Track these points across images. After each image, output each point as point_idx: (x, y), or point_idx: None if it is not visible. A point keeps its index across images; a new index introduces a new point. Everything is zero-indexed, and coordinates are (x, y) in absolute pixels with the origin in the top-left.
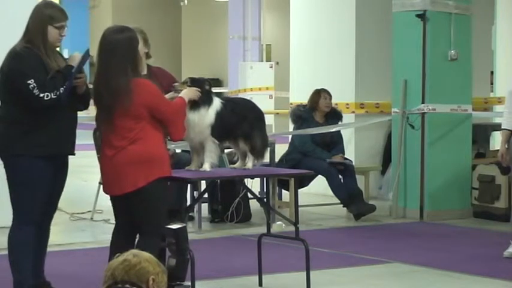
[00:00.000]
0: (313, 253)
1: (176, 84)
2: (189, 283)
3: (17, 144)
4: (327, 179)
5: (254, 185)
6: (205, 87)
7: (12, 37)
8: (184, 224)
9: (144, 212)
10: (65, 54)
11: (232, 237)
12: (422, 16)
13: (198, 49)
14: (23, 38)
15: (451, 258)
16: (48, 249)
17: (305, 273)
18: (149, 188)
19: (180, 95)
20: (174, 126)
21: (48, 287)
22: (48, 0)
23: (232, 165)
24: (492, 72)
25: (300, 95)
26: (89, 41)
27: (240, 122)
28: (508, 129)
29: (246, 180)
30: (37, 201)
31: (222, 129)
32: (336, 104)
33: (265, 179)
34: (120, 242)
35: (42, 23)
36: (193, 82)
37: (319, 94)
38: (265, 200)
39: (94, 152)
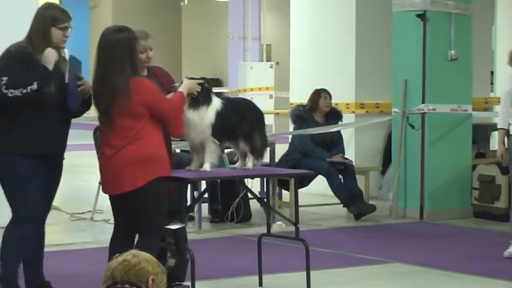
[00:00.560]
0: (313, 253)
1: (176, 84)
2: (189, 283)
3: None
4: (327, 179)
5: (254, 185)
6: (205, 87)
7: (13, 38)
8: (183, 225)
9: (143, 212)
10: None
11: (232, 237)
12: (422, 16)
13: (198, 49)
14: (24, 39)
15: (451, 258)
16: (48, 249)
17: (305, 273)
18: (148, 187)
19: (178, 89)
20: (173, 122)
21: (48, 287)
22: (50, 2)
23: (232, 165)
24: (492, 72)
25: (300, 95)
26: (89, 41)
27: (240, 122)
28: (505, 129)
29: (246, 180)
30: (29, 200)
31: (222, 129)
32: (336, 104)
33: (265, 179)
34: (120, 242)
35: (45, 25)
36: None
37: (319, 94)
38: (265, 200)
39: (94, 152)
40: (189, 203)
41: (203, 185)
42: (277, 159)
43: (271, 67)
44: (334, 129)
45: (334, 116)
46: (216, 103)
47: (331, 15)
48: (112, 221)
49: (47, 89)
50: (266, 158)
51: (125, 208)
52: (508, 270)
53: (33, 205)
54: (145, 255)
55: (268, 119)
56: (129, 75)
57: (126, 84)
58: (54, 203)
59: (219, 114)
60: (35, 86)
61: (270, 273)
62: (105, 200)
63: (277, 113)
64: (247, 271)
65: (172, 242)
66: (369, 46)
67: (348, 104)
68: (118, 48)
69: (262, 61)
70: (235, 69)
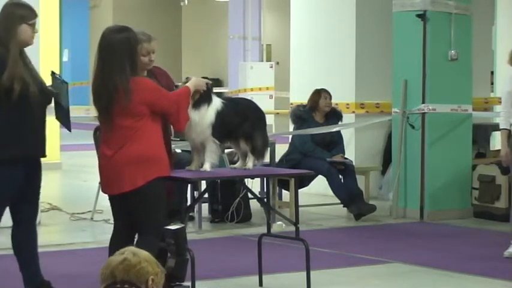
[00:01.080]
0: (313, 253)
1: (180, 84)
2: (189, 283)
3: None
4: (327, 179)
5: (254, 185)
6: (206, 87)
7: None
8: (183, 225)
9: (143, 212)
10: (65, 54)
11: (232, 237)
12: (422, 16)
13: (198, 49)
14: None
15: (451, 258)
16: (48, 249)
17: (305, 273)
18: (148, 187)
19: (187, 84)
20: (175, 116)
21: (48, 287)
22: None
23: (232, 165)
24: (492, 72)
25: (300, 95)
26: (89, 41)
27: (241, 122)
28: (507, 129)
29: (246, 180)
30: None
31: (223, 129)
32: (336, 104)
33: (265, 179)
34: (119, 241)
35: (14, 22)
36: None
37: (319, 94)
38: (265, 200)
39: (94, 152)
40: (189, 203)
41: (203, 185)
42: (277, 159)
43: (271, 67)
44: (334, 129)
45: (334, 116)
46: (217, 103)
47: (331, 15)
48: (112, 221)
49: (32, 89)
50: (266, 158)
51: (124, 208)
52: (508, 270)
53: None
54: (144, 254)
55: (269, 119)
56: (129, 75)
57: (126, 84)
58: (54, 203)
59: (219, 114)
60: None
61: (270, 273)
62: (105, 200)
63: (278, 113)
64: (247, 271)
65: (172, 242)
66: (369, 46)
67: (348, 104)
68: (118, 48)
69: (262, 61)
70: (236, 69)
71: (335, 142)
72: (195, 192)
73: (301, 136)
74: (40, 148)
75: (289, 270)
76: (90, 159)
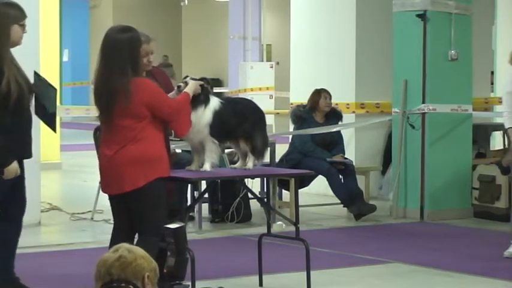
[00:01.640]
0: (314, 253)
1: (181, 84)
2: (189, 283)
3: None
4: (328, 179)
5: (254, 185)
6: (204, 87)
7: None
8: (182, 224)
9: (143, 212)
10: (65, 54)
11: (232, 237)
12: (422, 16)
13: (198, 49)
14: None
15: (451, 258)
16: (48, 249)
17: (305, 273)
18: (149, 187)
19: (184, 90)
20: (177, 123)
21: (17, 283)
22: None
23: (232, 165)
24: (492, 72)
25: (300, 95)
26: (89, 40)
27: (241, 122)
28: None
29: (246, 180)
30: None
31: (221, 129)
32: (336, 104)
33: (265, 179)
34: (119, 241)
35: (7, 22)
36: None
37: (319, 94)
38: (265, 200)
39: (94, 152)
40: (189, 203)
41: (203, 185)
42: (277, 159)
43: (271, 67)
44: (334, 129)
45: (334, 116)
46: (214, 103)
47: (331, 15)
48: (112, 221)
49: (25, 91)
50: (266, 158)
51: (124, 208)
52: (508, 270)
53: None
54: (140, 250)
55: (269, 119)
56: (131, 76)
57: (127, 85)
58: (54, 203)
59: (217, 114)
60: None
61: (270, 273)
62: (105, 200)
63: (278, 113)
64: (247, 271)
65: (171, 241)
66: (369, 46)
67: (348, 104)
68: (121, 48)
69: (262, 61)
70: (236, 69)
71: (335, 142)
72: (195, 192)
73: (301, 136)
74: (31, 149)
75: (289, 270)
76: (90, 159)
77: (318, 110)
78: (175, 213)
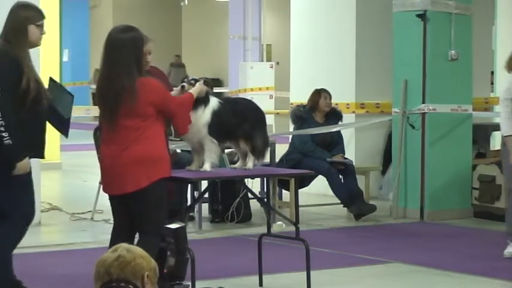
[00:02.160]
0: (314, 253)
1: (184, 84)
2: (189, 283)
3: None
4: (328, 179)
5: (254, 185)
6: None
7: None
8: (183, 224)
9: (145, 212)
10: (65, 54)
11: (232, 237)
12: (422, 16)
13: (198, 49)
14: (1, 39)
15: (451, 258)
16: (48, 249)
17: (305, 273)
18: (152, 188)
19: (190, 91)
20: (179, 118)
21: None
22: (22, 1)
23: (232, 165)
24: (492, 72)
25: (300, 95)
26: (89, 40)
27: (241, 122)
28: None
29: (246, 180)
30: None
31: (220, 129)
32: (336, 104)
33: (265, 179)
34: (120, 241)
35: (23, 23)
36: (195, 82)
37: (319, 94)
38: (265, 200)
39: (94, 152)
40: (189, 203)
41: (203, 185)
42: (277, 159)
43: (271, 67)
44: (334, 129)
45: (334, 116)
46: (213, 103)
47: (331, 15)
48: (112, 221)
49: (43, 91)
50: (266, 158)
51: (125, 208)
52: (508, 270)
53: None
54: (139, 250)
55: (269, 119)
56: (136, 76)
57: (132, 85)
58: (54, 203)
59: (216, 114)
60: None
61: (270, 273)
62: (105, 200)
63: (278, 113)
64: (247, 271)
65: (172, 241)
66: (369, 46)
67: (348, 104)
68: (125, 48)
69: (262, 61)
70: (236, 69)
71: (335, 142)
72: (195, 192)
73: (301, 136)
74: (44, 149)
75: (289, 270)
76: (90, 159)
77: (318, 110)
78: (175, 213)
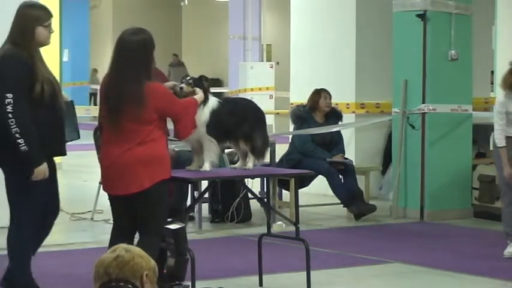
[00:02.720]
0: (314, 253)
1: (183, 85)
2: (189, 283)
3: None
4: (327, 179)
5: (254, 185)
6: (203, 86)
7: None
8: (183, 224)
9: (147, 213)
10: (65, 54)
11: (232, 237)
12: (422, 16)
13: (198, 49)
14: (8, 41)
15: (451, 258)
16: (48, 249)
17: (305, 273)
18: (154, 189)
19: (195, 97)
20: (183, 122)
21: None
22: (30, 1)
23: (232, 165)
24: (492, 72)
25: (300, 95)
26: (89, 40)
27: (241, 122)
28: (505, 146)
29: (246, 180)
30: None
31: (219, 128)
32: (336, 104)
33: (265, 179)
34: (119, 242)
35: (31, 24)
36: (193, 81)
37: (319, 94)
38: (265, 200)
39: (94, 152)
40: (189, 203)
41: (203, 185)
42: (277, 159)
43: (271, 67)
44: (334, 129)
45: (334, 116)
46: (212, 102)
47: (331, 15)
48: (112, 221)
49: (57, 87)
50: (266, 158)
51: (126, 208)
52: (508, 270)
53: None
54: (137, 250)
55: (269, 119)
56: (144, 82)
57: (141, 92)
58: None
59: (215, 113)
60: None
61: (270, 273)
62: (105, 200)
63: (278, 113)
64: (247, 271)
65: (172, 241)
66: (369, 46)
67: (348, 104)
68: (136, 51)
69: (262, 61)
70: (236, 69)
71: (335, 142)
72: (195, 192)
73: (301, 136)
74: (65, 146)
75: (289, 270)
76: (90, 159)
77: (318, 110)
78: (175, 213)
